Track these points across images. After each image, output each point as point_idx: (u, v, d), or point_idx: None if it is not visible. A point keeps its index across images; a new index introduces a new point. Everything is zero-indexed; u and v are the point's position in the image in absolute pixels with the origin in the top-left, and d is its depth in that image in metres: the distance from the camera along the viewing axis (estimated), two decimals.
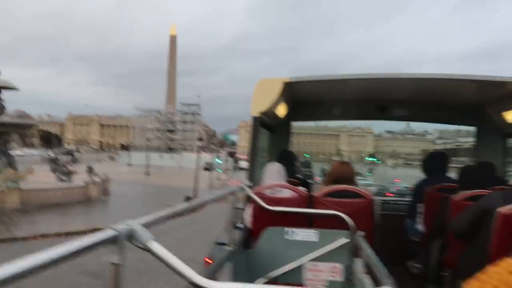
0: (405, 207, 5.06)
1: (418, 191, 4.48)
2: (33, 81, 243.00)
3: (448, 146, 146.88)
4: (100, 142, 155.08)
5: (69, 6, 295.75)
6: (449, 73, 3.68)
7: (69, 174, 26.11)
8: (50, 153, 31.02)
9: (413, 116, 5.55)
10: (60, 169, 25.58)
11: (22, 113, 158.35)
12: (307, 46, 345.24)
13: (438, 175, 4.38)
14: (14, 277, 0.79)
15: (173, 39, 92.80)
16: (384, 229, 3.53)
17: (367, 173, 56.26)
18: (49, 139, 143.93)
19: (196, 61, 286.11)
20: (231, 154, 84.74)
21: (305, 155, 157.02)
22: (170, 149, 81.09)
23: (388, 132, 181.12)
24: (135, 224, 1.27)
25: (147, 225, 1.35)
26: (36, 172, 24.47)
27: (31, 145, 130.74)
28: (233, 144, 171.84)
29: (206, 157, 71.69)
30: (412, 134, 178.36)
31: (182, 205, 2.02)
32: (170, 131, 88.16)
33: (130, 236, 1.23)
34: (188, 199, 26.65)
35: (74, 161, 59.49)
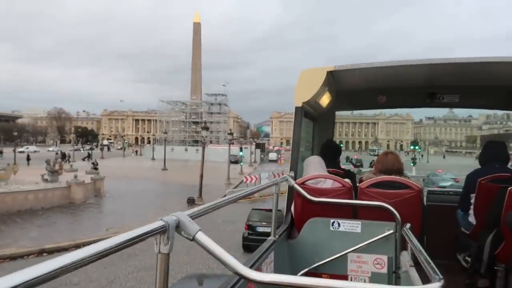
0: (455, 198, 4.66)
1: (471, 181, 4.08)
2: (76, 80, 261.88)
3: (496, 132, 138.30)
4: (136, 137, 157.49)
5: (110, 7, 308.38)
6: (501, 56, 3.41)
7: (54, 173, 23.33)
8: (54, 149, 28.84)
9: (465, 102, 5.27)
10: (49, 168, 23.01)
11: (60, 110, 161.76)
12: (343, 35, 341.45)
13: (494, 165, 4.00)
14: (76, 264, 0.89)
15: (196, 27, 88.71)
16: (433, 220, 3.84)
17: (411, 164, 49.03)
18: (85, 135, 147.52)
19: (230, 56, 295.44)
20: (259, 146, 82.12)
21: (340, 145, 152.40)
22: (196, 142, 77.33)
23: (429, 118, 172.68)
24: (183, 216, 1.32)
25: (194, 217, 1.40)
26: (29, 170, 22.55)
27: (68, 141, 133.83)
28: (267, 135, 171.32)
29: (235, 149, 69.16)
30: (456, 120, 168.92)
31: (224, 198, 2.02)
32: (196, 123, 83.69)
33: (178, 227, 1.29)
34: (191, 201, 23.79)
35: (88, 156, 58.83)
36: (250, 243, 13.62)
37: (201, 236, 1.31)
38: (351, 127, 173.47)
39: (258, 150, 75.28)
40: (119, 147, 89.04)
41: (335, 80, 4.15)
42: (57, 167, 24.00)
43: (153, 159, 61.76)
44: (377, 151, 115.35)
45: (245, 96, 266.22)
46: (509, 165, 4.26)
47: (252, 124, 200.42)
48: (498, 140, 4.90)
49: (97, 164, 34.45)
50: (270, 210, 3.14)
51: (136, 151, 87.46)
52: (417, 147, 72.97)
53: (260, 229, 14.09)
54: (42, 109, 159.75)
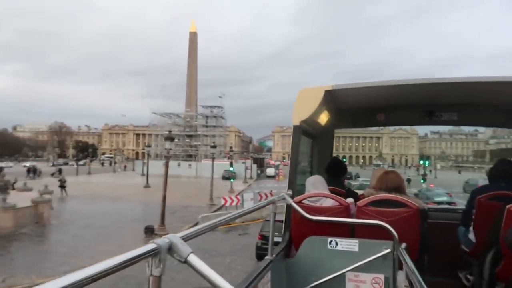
0: (457, 215, 4.74)
1: (474, 197, 4.02)
2: (85, 96, 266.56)
3: (503, 146, 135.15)
4: (136, 151, 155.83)
5: (123, 25, 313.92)
6: (500, 76, 3.49)
7: (3, 190, 20.11)
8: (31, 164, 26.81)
9: (463, 120, 5.20)
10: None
11: (61, 124, 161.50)
12: (352, 51, 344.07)
13: (499, 183, 3.93)
14: None
15: (192, 36, 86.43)
16: (434, 238, 3.67)
17: (421, 180, 45.81)
18: (86, 149, 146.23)
19: (239, 71, 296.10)
20: (257, 160, 78.38)
21: (343, 159, 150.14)
22: (190, 156, 73.96)
23: (434, 132, 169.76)
24: (175, 238, 1.32)
25: (186, 239, 1.41)
26: None
27: (68, 156, 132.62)
28: (269, 150, 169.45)
29: (227, 165, 66.50)
30: (461, 134, 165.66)
31: (219, 219, 2.02)
32: (190, 136, 79.71)
33: (170, 250, 1.29)
34: (149, 231, 19.47)
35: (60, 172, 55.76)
36: (263, 252, 13.25)
37: (193, 259, 1.30)
38: (354, 142, 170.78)
39: (255, 166, 71.60)
40: (114, 162, 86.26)
41: (333, 99, 4.17)
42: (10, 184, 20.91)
43: (143, 174, 59.33)
44: (381, 165, 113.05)
45: (252, 111, 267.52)
46: None
47: (255, 139, 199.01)
48: (509, 159, 4.60)
49: (64, 182, 31.96)
50: (282, 221, 3.41)
51: (125, 166, 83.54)
52: (426, 162, 68.76)
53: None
54: (44, 123, 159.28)
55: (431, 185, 43.92)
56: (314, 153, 5.25)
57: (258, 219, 21.65)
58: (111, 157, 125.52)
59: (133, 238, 17.76)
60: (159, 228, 20.36)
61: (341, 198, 3.46)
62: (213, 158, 32.35)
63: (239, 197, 27.66)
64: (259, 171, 71.57)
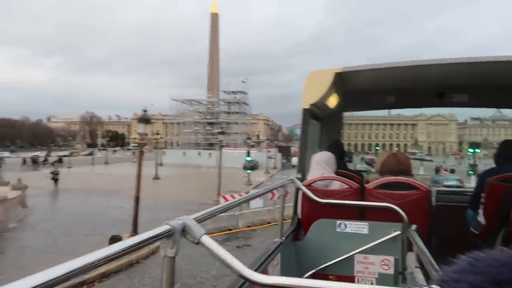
0: (465, 198, 4.60)
1: (483, 180, 3.96)
2: (119, 87, 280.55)
3: None
4: (165, 140, 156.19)
5: (159, 18, 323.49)
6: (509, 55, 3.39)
7: None
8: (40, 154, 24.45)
9: (475, 102, 5.14)
10: None
11: (92, 114, 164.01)
12: (387, 35, 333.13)
13: (508, 165, 3.91)
14: (82, 269, 0.92)
15: (214, 18, 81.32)
16: (442, 220, 3.83)
17: (469, 171, 38.83)
18: (116, 139, 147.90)
19: (271, 60, 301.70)
20: (282, 149, 73.76)
21: (376, 148, 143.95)
22: (211, 145, 68.23)
23: (474, 119, 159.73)
24: (189, 220, 1.35)
25: (199, 220, 1.44)
26: None
27: (100, 145, 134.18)
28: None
29: (253, 153, 63.21)
30: (505, 120, 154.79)
31: (231, 200, 2.09)
32: (211, 123, 73.87)
33: (184, 231, 1.32)
34: (114, 240, 13.33)
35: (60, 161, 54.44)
36: None
37: (206, 240, 1.33)
38: (388, 129, 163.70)
39: (279, 155, 67.59)
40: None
41: (343, 82, 4.18)
42: None
43: (160, 164, 57.11)
44: (417, 154, 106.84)
45: (282, 99, 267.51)
46: None
47: (285, 128, 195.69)
48: None
49: (57, 174, 29.60)
50: None
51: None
52: (478, 150, 60.81)
53: None
54: (76, 114, 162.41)
55: (444, 171, 42.61)
56: (322, 136, 5.24)
57: (269, 222, 17.91)
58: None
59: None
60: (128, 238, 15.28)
61: (350, 181, 3.45)
62: (221, 146, 28.34)
63: (244, 194, 22.57)
64: (284, 160, 68.04)
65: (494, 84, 4.39)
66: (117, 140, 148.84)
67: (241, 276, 1.31)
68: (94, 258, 0.96)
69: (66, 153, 79.40)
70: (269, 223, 18.06)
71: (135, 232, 15.00)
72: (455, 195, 5.33)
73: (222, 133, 29.57)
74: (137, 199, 15.71)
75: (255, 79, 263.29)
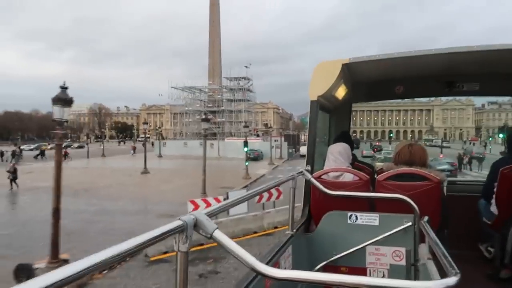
0: (477, 188, 4.63)
1: (496, 170, 3.99)
2: (132, 78, 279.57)
3: None
4: (174, 131, 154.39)
5: (170, 9, 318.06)
6: None
7: None
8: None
9: (485, 90, 5.05)
10: None
11: (100, 106, 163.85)
12: (400, 19, 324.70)
13: None
14: (96, 266, 0.93)
15: (213, 0, 77.00)
16: (454, 211, 3.66)
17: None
18: (124, 130, 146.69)
19: (282, 49, 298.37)
20: (289, 138, 69.90)
21: (390, 134, 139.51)
22: (214, 135, 64.51)
23: (492, 103, 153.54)
24: (201, 215, 1.37)
25: (210, 215, 1.46)
26: None
27: (108, 137, 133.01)
28: None
29: (257, 143, 60.24)
30: None
31: (241, 193, 2.28)
32: (213, 112, 68.64)
33: (196, 226, 1.34)
34: (19, 271, 9.35)
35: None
36: None
37: (219, 234, 1.35)
38: (402, 115, 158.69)
39: (286, 144, 61.60)
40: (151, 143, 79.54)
41: (351, 72, 4.20)
42: None
43: (160, 156, 54.55)
44: (433, 141, 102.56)
45: (294, 87, 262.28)
46: None
47: (296, 116, 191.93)
48: None
49: (13, 172, 25.89)
50: None
51: (134, 148, 68.32)
52: (502, 135, 55.66)
53: None
54: (85, 105, 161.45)
55: (441, 156, 44.27)
56: (331, 128, 5.18)
57: (255, 232, 14.97)
58: (147, 137, 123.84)
59: None
60: (48, 266, 10.16)
61: (360, 172, 3.44)
62: (205, 136, 24.83)
63: (220, 198, 14.39)
64: (291, 150, 64.80)
65: (506, 72, 4.26)
66: (126, 131, 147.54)
67: (253, 269, 1.32)
68: (108, 255, 0.97)
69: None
70: (255, 232, 14.83)
71: (55, 257, 10.49)
72: (467, 185, 5.34)
73: (206, 120, 26.34)
74: (56, 212, 10.79)
75: (267, 68, 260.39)
